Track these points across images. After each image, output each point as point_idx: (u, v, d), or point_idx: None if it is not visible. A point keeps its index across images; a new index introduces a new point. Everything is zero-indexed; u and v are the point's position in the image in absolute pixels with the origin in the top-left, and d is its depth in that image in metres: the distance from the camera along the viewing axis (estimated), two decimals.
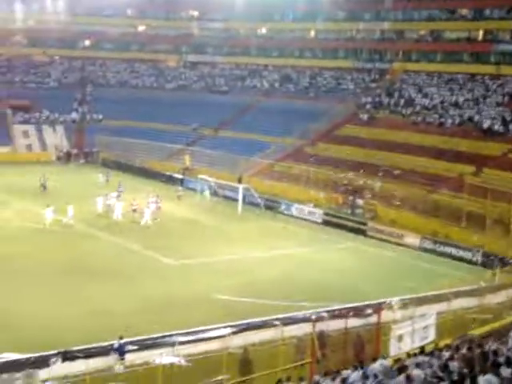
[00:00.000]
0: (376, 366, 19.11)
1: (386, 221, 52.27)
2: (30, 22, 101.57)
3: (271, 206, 58.37)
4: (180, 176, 69.89)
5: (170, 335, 27.04)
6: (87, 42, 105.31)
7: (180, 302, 32.89)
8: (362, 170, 60.35)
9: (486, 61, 75.22)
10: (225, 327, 27.86)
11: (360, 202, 56.90)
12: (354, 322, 27.96)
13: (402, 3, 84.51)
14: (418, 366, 18.18)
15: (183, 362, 25.86)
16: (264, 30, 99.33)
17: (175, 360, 25.84)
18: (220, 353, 24.54)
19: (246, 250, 44.04)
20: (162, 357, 23.61)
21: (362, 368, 19.00)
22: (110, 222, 50.47)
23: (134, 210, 52.70)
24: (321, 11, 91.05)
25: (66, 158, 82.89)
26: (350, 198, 57.53)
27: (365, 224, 51.81)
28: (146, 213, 50.74)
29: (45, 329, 28.44)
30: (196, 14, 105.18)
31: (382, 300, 31.25)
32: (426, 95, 73.43)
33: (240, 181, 60.35)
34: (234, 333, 27.30)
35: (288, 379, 20.00)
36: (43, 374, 23.95)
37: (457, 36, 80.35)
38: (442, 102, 70.38)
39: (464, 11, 79.89)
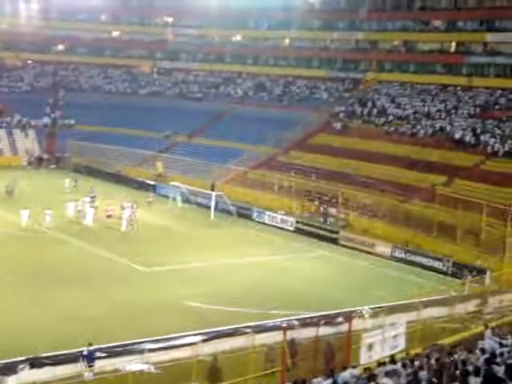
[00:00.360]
0: (346, 375, 19.14)
1: (357, 230, 52.46)
2: (3, 26, 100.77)
3: (244, 214, 58.33)
4: (152, 182, 69.60)
5: (140, 342, 26.92)
6: (60, 47, 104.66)
7: (150, 308, 32.69)
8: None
9: (458, 72, 76.12)
10: (195, 335, 27.78)
11: (332, 210, 57.07)
12: (325, 331, 27.96)
13: (377, 14, 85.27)
14: (387, 374, 18.24)
15: (153, 370, 25.72)
16: (239, 38, 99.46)
17: (145, 367, 25.70)
18: (190, 360, 24.41)
19: (217, 257, 43.91)
20: (131, 364, 23.43)
21: (332, 376, 19.00)
22: (81, 228, 50.12)
23: (109, 216, 52.45)
24: (296, 20, 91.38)
25: (37, 162, 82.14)
26: (323, 206, 57.69)
27: (337, 233, 51.95)
28: (125, 219, 50.53)
29: (13, 335, 28.07)
30: (170, 20, 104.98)
31: (353, 308, 31.33)
32: (398, 105, 73.98)
33: (213, 188, 60.24)
34: (205, 340, 27.20)
35: None
36: (11, 381, 23.68)
37: (430, 47, 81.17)
38: (414, 113, 70.93)
39: (437, 23, 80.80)
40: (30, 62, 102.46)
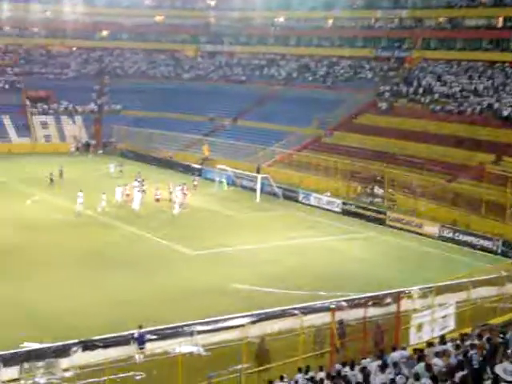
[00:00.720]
0: (395, 355, 19.07)
1: (405, 210, 52.02)
2: (48, 13, 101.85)
3: (290, 196, 58.27)
4: (198, 166, 69.94)
5: (189, 325, 27.15)
6: (105, 33, 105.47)
7: (199, 291, 32.92)
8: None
9: (505, 48, 74.41)
10: (244, 317, 27.92)
11: (379, 191, 56.67)
12: (373, 311, 27.90)
13: None
14: (437, 355, 18.11)
15: (202, 352, 25.95)
16: (282, 19, 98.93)
17: (194, 349, 25.96)
18: (239, 342, 24.56)
19: (264, 240, 43.99)
20: (181, 346, 23.64)
21: (381, 357, 18.96)
22: (129, 212, 50.62)
23: (157, 200, 52.97)
24: None
25: (85, 148, 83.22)
26: (369, 187, 57.33)
27: (384, 213, 51.56)
28: (177, 202, 50.99)
29: (65, 318, 28.62)
30: (213, 3, 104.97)
31: (402, 289, 31.13)
32: (445, 83, 72.86)
33: (258, 170, 60.31)
34: (253, 322, 27.34)
35: (307, 368, 19.96)
36: (64, 363, 24.14)
37: (476, 23, 79.50)
38: (461, 90, 69.82)
39: None
40: (75, 48, 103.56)
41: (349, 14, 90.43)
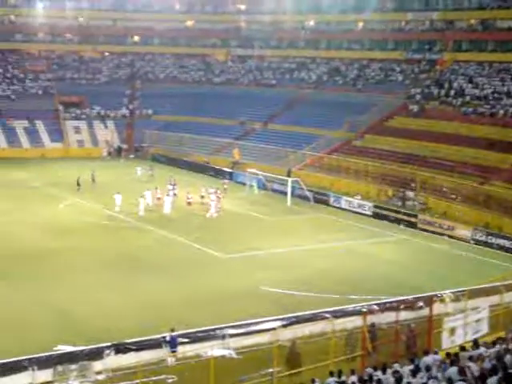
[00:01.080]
0: (428, 359, 18.97)
1: (436, 213, 51.69)
2: (81, 19, 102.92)
3: (320, 199, 58.17)
4: (229, 170, 70.14)
5: (221, 328, 27.20)
6: (136, 38, 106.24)
7: (229, 294, 33.02)
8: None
9: None
10: (275, 320, 27.92)
11: (410, 194, 56.39)
12: (405, 315, 27.74)
13: None
14: (470, 359, 18.00)
15: (234, 355, 25.99)
16: (312, 23, 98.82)
17: (226, 352, 25.99)
18: (270, 346, 24.58)
19: (295, 243, 43.99)
20: (213, 349, 23.70)
21: (413, 361, 18.88)
22: (160, 216, 50.91)
23: (189, 203, 53.22)
24: (369, 2, 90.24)
25: (117, 153, 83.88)
26: (400, 190, 57.06)
27: (415, 216, 51.26)
28: (212, 205, 51.33)
29: (98, 321, 28.90)
30: (243, 7, 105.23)
31: (434, 293, 30.93)
32: (476, 85, 72.27)
33: (289, 174, 60.32)
34: (285, 326, 27.33)
35: (340, 372, 19.93)
36: (97, 366, 24.34)
37: (508, 25, 78.71)
38: (493, 92, 69.20)
39: None
40: (107, 54, 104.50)
41: (379, 16, 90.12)
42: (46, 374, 23.53)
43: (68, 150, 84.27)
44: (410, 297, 31.28)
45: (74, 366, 23.97)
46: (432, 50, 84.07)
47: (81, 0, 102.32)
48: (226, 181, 63.46)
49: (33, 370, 23.26)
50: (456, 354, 18.83)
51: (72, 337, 26.69)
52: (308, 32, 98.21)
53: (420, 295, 31.22)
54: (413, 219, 50.94)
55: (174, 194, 54.75)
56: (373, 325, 25.51)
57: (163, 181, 58.80)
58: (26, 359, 23.68)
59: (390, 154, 63.73)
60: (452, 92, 72.69)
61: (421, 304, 29.44)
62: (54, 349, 25.18)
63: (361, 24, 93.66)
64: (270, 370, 23.12)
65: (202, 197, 54.71)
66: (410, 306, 29.39)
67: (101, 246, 41.98)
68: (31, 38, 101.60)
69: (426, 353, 20.03)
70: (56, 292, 32.65)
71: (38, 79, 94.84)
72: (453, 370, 16.92)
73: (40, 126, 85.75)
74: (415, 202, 55.49)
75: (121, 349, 25.05)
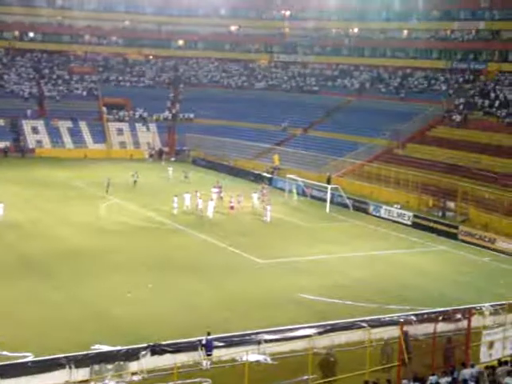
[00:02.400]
0: (465, 372, 18.77)
1: (477, 224, 51.10)
2: (127, 22, 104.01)
3: (360, 207, 57.88)
4: (269, 175, 70.18)
5: (257, 333, 27.22)
6: (181, 42, 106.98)
7: (265, 300, 33.00)
8: None
9: None
10: (311, 327, 27.87)
11: (451, 204, 55.83)
12: (442, 327, 27.50)
13: (499, 2, 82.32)
14: (509, 374, 17.77)
15: (269, 361, 26.00)
16: (356, 30, 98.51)
17: (261, 358, 26.02)
18: (305, 353, 24.52)
19: (333, 251, 43.83)
20: (248, 354, 23.73)
21: (451, 374, 18.69)
22: (200, 219, 51.12)
23: (232, 208, 53.27)
24: (415, 10, 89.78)
25: (158, 155, 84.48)
26: (441, 200, 56.52)
27: (456, 227, 50.70)
28: (267, 209, 51.61)
29: (135, 322, 29.09)
30: (288, 13, 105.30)
31: (473, 305, 30.60)
32: None
33: (329, 181, 60.16)
34: (320, 333, 27.26)
35: (375, 382, 19.79)
36: (133, 366, 24.53)
37: None
38: None
39: None
40: (151, 57, 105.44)
41: (424, 25, 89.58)
42: (83, 373, 23.80)
43: (110, 151, 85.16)
44: (448, 308, 30.97)
45: (110, 366, 24.22)
46: (477, 60, 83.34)
47: (127, 3, 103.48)
48: (265, 186, 63.41)
49: (70, 368, 23.56)
50: (494, 368, 18.60)
51: (109, 337, 26.92)
52: (352, 39, 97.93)
53: (458, 307, 30.90)
54: (453, 230, 50.39)
55: (220, 198, 55.33)
56: (405, 333, 25.25)
57: (201, 184, 59.05)
58: (63, 357, 24.00)
59: (432, 163, 63.21)
60: (497, 102, 71.82)
61: (459, 316, 29.16)
62: (92, 348, 25.45)
63: (405, 32, 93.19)
64: (305, 378, 23.08)
65: (239, 202, 54.82)
66: (448, 317, 29.11)
67: (139, 246, 42.29)
68: (77, 40, 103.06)
69: (464, 366, 19.82)
70: (94, 291, 32.97)
71: (83, 80, 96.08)
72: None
73: (83, 126, 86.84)
74: (456, 213, 54.90)
75: (157, 350, 25.22)
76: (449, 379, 18.11)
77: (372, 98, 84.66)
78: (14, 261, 37.75)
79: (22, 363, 23.91)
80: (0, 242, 41.66)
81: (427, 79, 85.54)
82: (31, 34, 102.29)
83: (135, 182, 63.45)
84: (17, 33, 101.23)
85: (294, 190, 62.02)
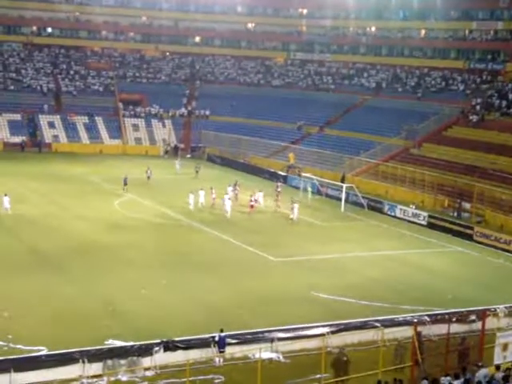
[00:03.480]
0: (479, 374, 18.69)
1: (493, 226, 50.84)
2: (143, 18, 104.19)
3: (375, 207, 57.72)
4: (284, 173, 70.12)
5: (270, 331, 27.21)
6: (197, 39, 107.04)
7: (278, 298, 33.00)
8: None
9: None
10: (324, 326, 27.84)
11: (466, 205, 55.56)
12: (456, 328, 27.39)
13: None
14: None
15: (282, 359, 26.00)
16: (373, 28, 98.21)
17: (274, 356, 26.02)
18: (318, 351, 24.50)
19: (346, 250, 43.75)
20: (261, 352, 23.73)
21: (464, 375, 18.62)
22: (214, 216, 51.16)
23: (252, 206, 53.04)
24: (433, 10, 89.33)
25: (174, 152, 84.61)
26: (457, 201, 56.27)
27: (471, 228, 50.42)
28: (295, 208, 51.54)
29: (149, 317, 29.18)
30: (305, 11, 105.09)
31: (487, 307, 30.45)
32: None
33: (343, 180, 60.03)
34: (333, 332, 27.23)
35: (388, 382, 19.75)
36: (146, 362, 24.60)
37: None
38: None
39: None
40: (168, 53, 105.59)
41: (442, 24, 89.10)
42: (97, 367, 23.90)
43: (126, 147, 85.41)
44: (462, 309, 30.84)
45: (123, 361, 24.32)
46: (495, 61, 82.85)
47: None
48: (279, 183, 63.30)
49: (83, 362, 23.67)
50: (509, 370, 18.52)
51: (122, 332, 27.03)
52: (369, 38, 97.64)
53: (473, 308, 30.76)
54: (468, 231, 50.12)
55: (235, 195, 55.53)
56: (419, 333, 25.16)
57: (217, 182, 59.10)
58: (77, 351, 24.11)
59: (448, 163, 62.93)
60: None
61: (473, 317, 29.05)
62: (105, 343, 25.54)
63: (423, 32, 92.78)
64: (318, 376, 23.05)
65: (256, 200, 54.71)
66: (462, 318, 29.00)
67: (154, 242, 42.42)
68: (95, 36, 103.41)
69: (478, 367, 19.74)
70: (108, 286, 33.10)
71: (99, 76, 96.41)
72: None
73: (100, 122, 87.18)
74: (471, 214, 54.65)
75: (169, 346, 25.29)
76: (461, 380, 18.04)
77: (388, 98, 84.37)
78: (30, 255, 37.99)
79: (36, 357, 24.07)
80: (15, 236, 41.94)
81: (444, 79, 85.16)
82: (49, 30, 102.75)
83: (148, 177, 63.73)
84: (35, 28, 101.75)
85: (309, 189, 61.86)
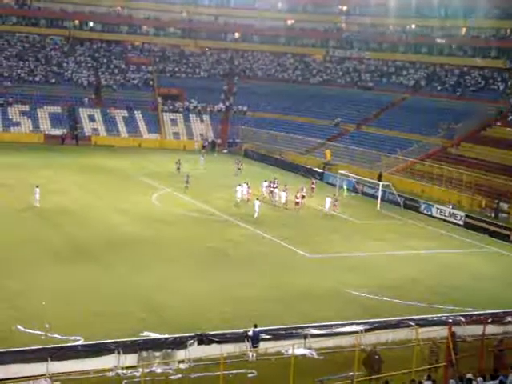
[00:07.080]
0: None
1: None
2: (184, 14, 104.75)
3: (411, 205, 57.39)
4: (320, 170, 70.05)
5: (304, 327, 27.30)
6: (237, 35, 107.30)
7: (314, 295, 33.05)
8: None
9: None
10: (358, 324, 27.83)
11: (504, 206, 55.00)
12: (492, 329, 27.22)
13: None
14: None
15: (315, 355, 26.08)
16: (413, 26, 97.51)
17: (307, 352, 26.11)
18: (352, 349, 24.54)
19: (382, 248, 43.63)
20: (294, 348, 23.82)
21: (498, 376, 18.54)
22: (250, 211, 51.28)
23: (297, 203, 52.92)
24: (475, 8, 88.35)
25: (211, 147, 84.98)
26: (495, 201, 55.73)
27: (509, 229, 49.90)
28: (327, 202, 52.40)
29: (184, 310, 29.44)
30: (345, 8, 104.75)
31: None
32: None
33: (380, 178, 59.80)
34: (367, 330, 27.23)
35: (421, 382, 19.72)
36: (180, 354, 24.85)
37: None
38: None
39: None
40: (207, 49, 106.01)
41: (483, 23, 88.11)
42: (131, 359, 24.21)
43: (164, 141, 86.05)
44: (498, 311, 30.62)
45: (158, 353, 24.59)
46: None
47: None
48: (314, 180, 63.22)
49: (118, 353, 23.97)
50: None
51: (157, 324, 27.34)
52: (409, 36, 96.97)
53: (509, 310, 30.52)
54: (506, 232, 49.61)
55: (270, 191, 55.69)
56: (453, 334, 25.06)
57: (254, 177, 59.24)
58: (112, 342, 24.43)
59: (486, 163, 62.36)
60: None
61: (509, 319, 28.83)
62: (140, 335, 25.87)
63: (464, 30, 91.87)
64: (351, 374, 23.09)
65: (301, 197, 54.52)
66: (498, 320, 28.80)
67: (190, 237, 42.70)
68: (135, 31, 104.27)
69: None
70: (144, 279, 33.43)
71: (139, 71, 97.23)
72: None
73: (139, 116, 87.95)
74: (509, 215, 54.09)
75: (204, 340, 25.49)
76: (496, 382, 17.96)
77: (427, 96, 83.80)
78: (68, 247, 38.49)
79: (72, 346, 24.43)
80: (54, 228, 42.53)
81: (484, 78, 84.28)
82: (91, 24, 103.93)
83: (178, 169, 64.21)
84: (77, 22, 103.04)
85: (345, 186, 61.76)
